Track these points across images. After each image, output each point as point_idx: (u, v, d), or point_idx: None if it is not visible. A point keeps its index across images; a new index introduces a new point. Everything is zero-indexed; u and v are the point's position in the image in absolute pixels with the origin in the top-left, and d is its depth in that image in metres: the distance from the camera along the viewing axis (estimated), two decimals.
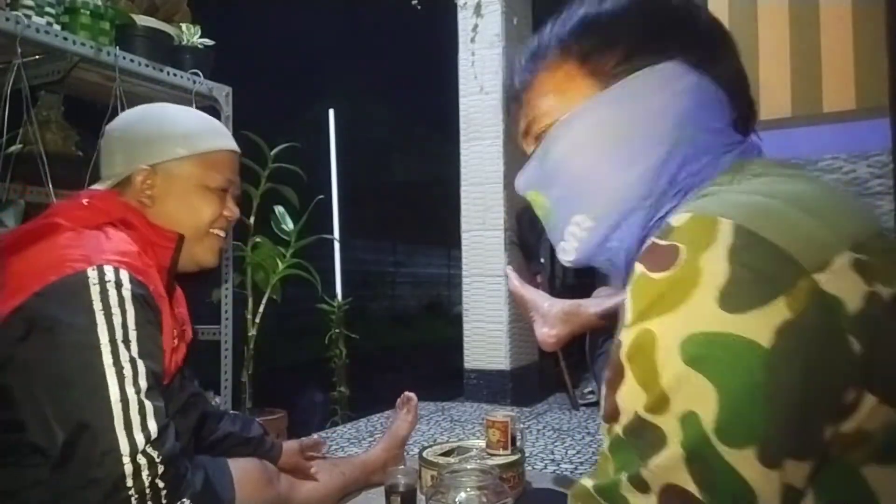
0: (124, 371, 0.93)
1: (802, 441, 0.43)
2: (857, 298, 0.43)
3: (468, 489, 1.05)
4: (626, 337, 0.48)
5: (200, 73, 2.21)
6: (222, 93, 2.31)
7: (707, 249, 0.45)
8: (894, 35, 2.19)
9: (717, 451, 0.43)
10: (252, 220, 2.55)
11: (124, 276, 0.98)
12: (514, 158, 3.20)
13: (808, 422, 0.43)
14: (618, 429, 0.48)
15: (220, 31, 2.39)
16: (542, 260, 3.02)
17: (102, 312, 0.94)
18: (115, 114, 1.60)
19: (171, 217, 1.16)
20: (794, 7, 2.35)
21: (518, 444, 1.68)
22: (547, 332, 1.36)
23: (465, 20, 3.21)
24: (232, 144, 1.25)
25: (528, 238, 3.11)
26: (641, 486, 0.45)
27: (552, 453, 2.15)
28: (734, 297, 0.43)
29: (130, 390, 0.92)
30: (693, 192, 0.59)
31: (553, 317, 1.36)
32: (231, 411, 1.90)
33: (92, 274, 0.96)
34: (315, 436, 1.68)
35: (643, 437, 0.46)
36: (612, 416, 0.49)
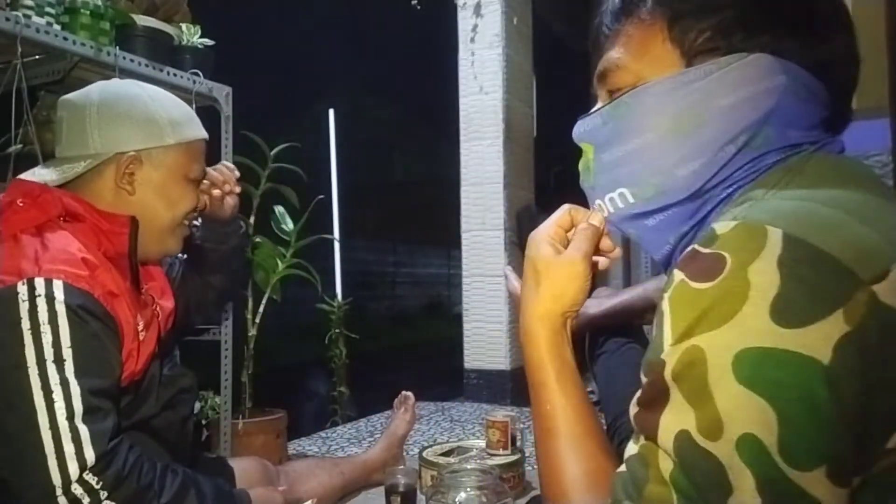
0: (54, 395, 0.87)
1: (865, 456, 0.42)
2: None
3: (468, 489, 1.05)
4: (670, 355, 0.44)
5: (200, 73, 2.21)
6: (222, 93, 2.31)
7: (756, 260, 0.42)
8: (894, 35, 2.19)
9: (785, 475, 0.40)
10: (252, 220, 2.55)
11: (58, 287, 0.91)
12: (514, 158, 3.20)
13: (869, 437, 0.41)
14: (670, 458, 0.44)
15: (220, 31, 2.39)
16: None
17: (30, 331, 0.88)
18: None
19: (147, 207, 1.10)
20: None
21: (518, 444, 1.68)
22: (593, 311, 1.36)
23: (464, 20, 3.21)
24: (204, 133, 1.20)
25: (527, 238, 3.11)
26: None
27: None
28: (788, 311, 0.41)
29: (61, 416, 0.87)
30: (741, 189, 0.56)
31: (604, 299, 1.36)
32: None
33: (21, 289, 0.90)
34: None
35: (699, 467, 0.43)
36: (649, 434, 0.46)
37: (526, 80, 3.36)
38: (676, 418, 0.44)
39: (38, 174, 1.09)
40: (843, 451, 0.41)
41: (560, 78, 4.48)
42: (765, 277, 0.42)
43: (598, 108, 0.63)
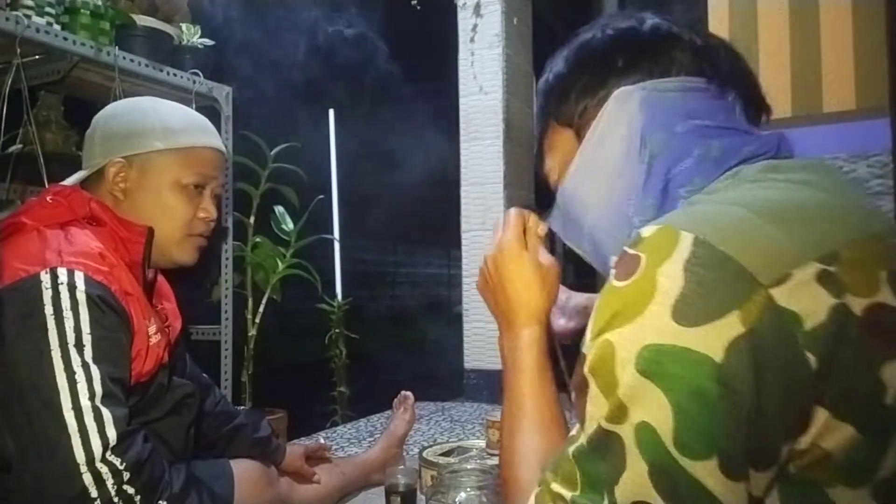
0: (76, 377, 0.89)
1: (761, 453, 0.43)
2: (818, 312, 0.43)
3: (468, 489, 1.05)
4: (589, 349, 0.49)
5: (200, 73, 2.21)
6: (222, 93, 2.31)
7: (665, 261, 0.46)
8: (894, 35, 2.19)
9: (678, 463, 0.43)
10: (252, 220, 2.55)
11: (79, 277, 0.95)
12: (514, 158, 3.20)
13: (765, 435, 0.43)
14: (583, 439, 0.49)
15: (220, 31, 2.39)
16: None
17: (53, 317, 0.91)
18: None
19: (144, 214, 1.12)
20: (794, 7, 2.35)
21: None
22: (564, 325, 1.36)
23: (464, 20, 3.21)
24: (214, 142, 1.20)
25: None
26: None
27: None
28: (687, 310, 0.44)
29: (84, 397, 0.89)
30: (690, 194, 0.59)
31: (571, 309, 1.36)
32: (241, 407, 1.89)
33: (45, 277, 0.93)
34: (320, 439, 1.67)
35: (606, 447, 0.46)
36: (580, 419, 0.50)
37: (526, 80, 3.36)
38: (593, 408, 0.48)
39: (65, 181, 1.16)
40: (734, 446, 0.42)
41: None
42: (670, 279, 0.45)
43: (550, 213, 0.73)
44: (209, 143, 1.19)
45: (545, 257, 0.74)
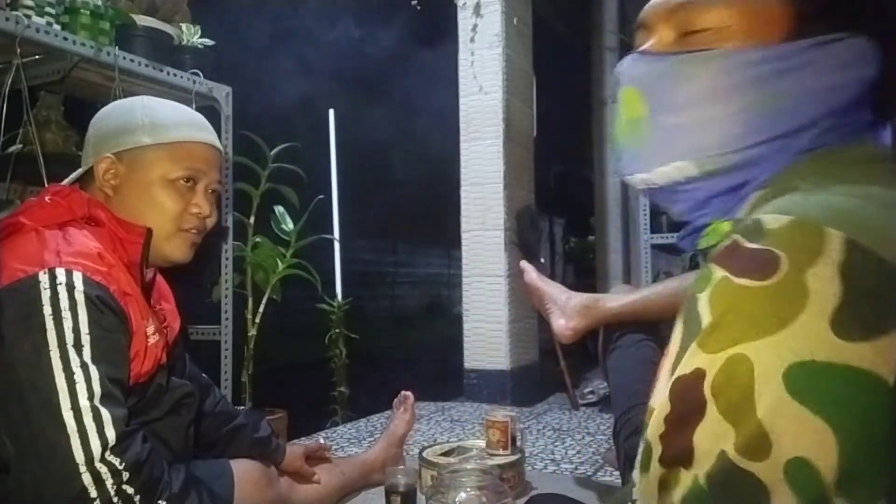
0: (75, 377, 0.89)
1: None
2: None
3: (468, 489, 1.05)
4: (710, 363, 0.39)
5: (200, 73, 2.21)
6: (222, 93, 2.31)
7: (815, 263, 0.38)
8: None
9: None
10: (252, 220, 2.55)
11: (77, 278, 0.94)
12: (514, 158, 3.20)
13: None
14: (696, 477, 0.39)
15: (220, 31, 2.39)
16: (543, 260, 3.02)
17: (52, 317, 0.91)
18: None
19: (134, 210, 1.11)
20: None
21: (518, 444, 1.68)
22: (564, 325, 1.36)
23: (464, 20, 3.21)
24: (206, 137, 1.18)
25: (528, 238, 3.11)
26: None
27: (552, 453, 2.15)
28: (850, 323, 0.37)
29: (83, 397, 0.89)
30: (781, 169, 0.52)
31: (571, 309, 1.36)
32: (240, 407, 1.90)
33: (43, 278, 0.93)
34: (320, 439, 1.67)
35: (735, 489, 0.38)
36: (681, 459, 0.40)
37: (526, 80, 3.36)
38: (714, 437, 0.39)
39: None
40: None
41: (560, 78, 4.48)
42: (825, 284, 0.38)
43: (669, 52, 0.55)
44: (199, 137, 1.17)
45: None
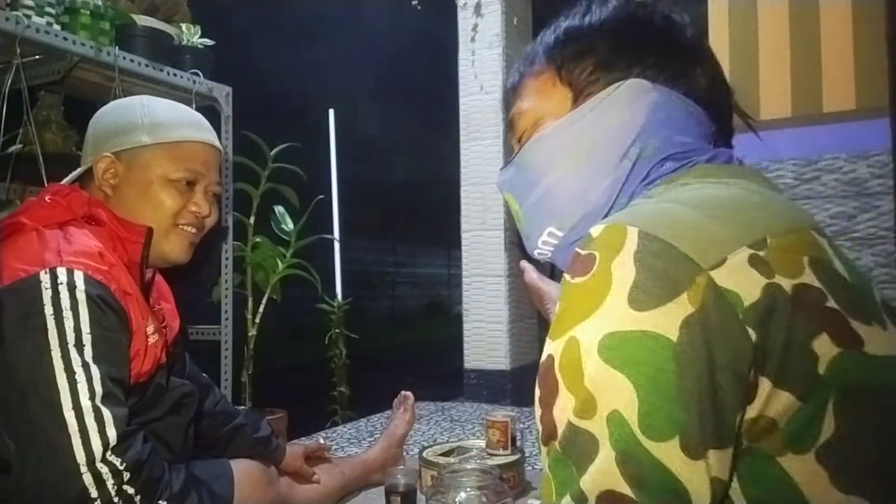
0: (77, 377, 0.89)
1: (719, 429, 0.45)
2: (753, 291, 0.46)
3: (468, 489, 1.05)
4: (555, 349, 0.49)
5: (200, 73, 2.21)
6: (222, 93, 2.31)
7: (617, 255, 0.48)
8: (894, 35, 2.19)
9: (644, 447, 0.44)
10: (252, 220, 2.55)
11: (79, 277, 0.94)
12: None
13: (719, 409, 0.45)
14: (556, 444, 0.48)
15: (220, 31, 2.39)
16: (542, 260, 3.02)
17: (53, 316, 0.91)
18: None
19: (132, 208, 1.11)
20: (794, 7, 2.35)
21: (518, 444, 1.68)
22: None
23: (465, 20, 3.21)
24: (205, 137, 1.18)
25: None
26: (581, 500, 0.46)
27: None
28: (642, 297, 0.46)
29: (84, 397, 0.89)
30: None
31: None
32: (240, 407, 1.90)
33: (44, 277, 0.93)
34: (320, 439, 1.67)
35: (577, 445, 0.46)
36: (551, 434, 0.49)
37: None
38: (562, 409, 0.48)
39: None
40: (692, 423, 0.44)
41: None
42: (624, 270, 0.47)
43: (512, 158, 0.71)
44: (199, 137, 1.16)
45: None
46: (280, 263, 2.58)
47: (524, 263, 1.45)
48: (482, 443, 1.71)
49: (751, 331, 0.45)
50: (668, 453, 0.44)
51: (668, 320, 0.45)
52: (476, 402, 3.03)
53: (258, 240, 2.57)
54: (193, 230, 1.16)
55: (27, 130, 1.84)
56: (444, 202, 3.99)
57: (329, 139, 3.27)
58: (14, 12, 1.70)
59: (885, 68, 2.20)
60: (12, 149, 1.80)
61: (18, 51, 1.68)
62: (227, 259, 2.34)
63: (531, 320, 3.23)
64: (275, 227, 2.65)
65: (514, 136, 0.72)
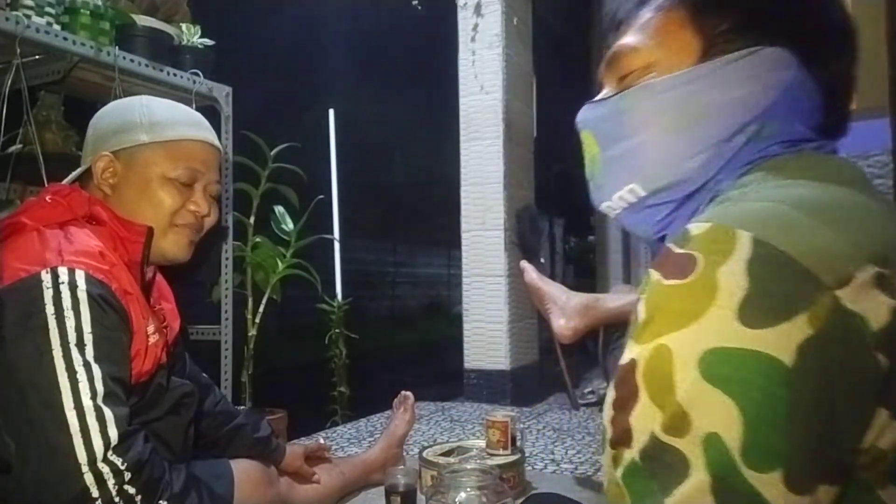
0: (78, 376, 0.89)
1: (831, 464, 0.41)
2: (881, 314, 0.42)
3: (468, 489, 1.05)
4: (640, 354, 0.45)
5: (200, 73, 2.21)
6: (222, 93, 2.31)
7: (725, 262, 0.43)
8: (894, 35, 2.19)
9: (743, 476, 0.40)
10: (252, 220, 2.55)
11: (80, 276, 0.94)
12: (514, 158, 3.20)
13: (834, 443, 0.41)
14: (633, 454, 0.44)
15: (220, 31, 2.39)
16: (543, 260, 3.01)
17: (54, 316, 0.91)
18: None
19: (132, 207, 1.11)
20: None
21: (518, 444, 1.68)
22: (564, 325, 1.37)
23: (465, 20, 3.21)
24: (204, 135, 1.18)
25: (528, 238, 3.11)
26: None
27: (552, 453, 2.15)
28: (754, 313, 0.41)
29: (86, 396, 0.89)
30: (730, 182, 0.56)
31: (571, 309, 1.37)
32: (240, 407, 1.90)
33: (45, 277, 0.93)
34: (320, 439, 1.67)
35: (662, 461, 0.43)
36: (623, 439, 0.45)
37: (526, 80, 3.37)
38: (645, 419, 0.44)
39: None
40: (802, 456, 0.40)
41: (560, 78, 4.48)
42: (733, 279, 0.43)
43: (607, 96, 0.63)
44: (198, 136, 1.16)
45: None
46: (280, 263, 2.58)
47: (524, 263, 1.45)
48: (482, 443, 1.71)
49: (881, 358, 0.41)
50: (770, 485, 0.40)
51: (783, 342, 0.41)
52: (476, 402, 3.03)
53: (258, 240, 2.57)
54: (191, 229, 1.17)
55: (27, 130, 1.84)
56: (444, 202, 3.99)
57: (329, 139, 3.27)
58: (14, 12, 1.70)
59: (885, 68, 2.20)
60: (12, 149, 1.80)
61: (18, 51, 1.68)
62: (227, 259, 2.34)
63: (531, 320, 3.23)
64: (275, 227, 2.65)
65: (612, 73, 0.63)
